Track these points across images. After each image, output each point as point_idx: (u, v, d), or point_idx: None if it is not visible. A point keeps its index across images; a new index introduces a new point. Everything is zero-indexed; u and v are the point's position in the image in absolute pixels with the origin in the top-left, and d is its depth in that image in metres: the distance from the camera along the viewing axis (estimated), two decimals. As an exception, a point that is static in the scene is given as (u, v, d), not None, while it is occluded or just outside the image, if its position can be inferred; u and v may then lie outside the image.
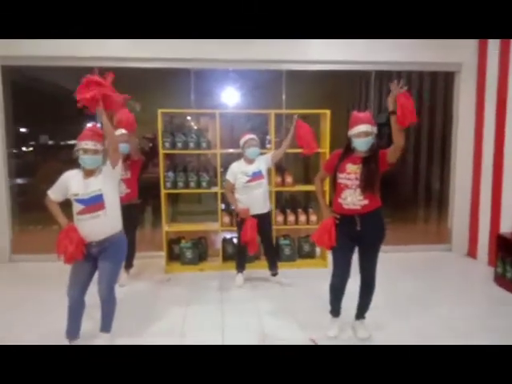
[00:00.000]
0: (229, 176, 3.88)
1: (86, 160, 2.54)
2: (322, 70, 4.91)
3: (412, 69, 5.13)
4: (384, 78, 5.36)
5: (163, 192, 4.35)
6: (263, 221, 3.88)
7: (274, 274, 4.08)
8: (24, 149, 5.15)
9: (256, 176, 3.82)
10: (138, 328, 3.08)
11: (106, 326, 2.77)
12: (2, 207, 4.73)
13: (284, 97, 4.97)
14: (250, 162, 3.87)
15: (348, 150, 2.73)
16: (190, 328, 3.10)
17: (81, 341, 2.74)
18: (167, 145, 4.33)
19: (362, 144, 2.64)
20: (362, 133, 2.61)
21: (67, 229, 2.57)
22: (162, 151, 4.30)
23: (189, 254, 4.47)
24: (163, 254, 4.45)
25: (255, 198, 3.82)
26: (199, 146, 4.39)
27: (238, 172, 3.83)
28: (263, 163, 3.90)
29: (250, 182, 3.80)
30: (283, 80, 4.94)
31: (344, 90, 5.68)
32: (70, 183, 2.57)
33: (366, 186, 2.62)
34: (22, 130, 5.16)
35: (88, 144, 2.51)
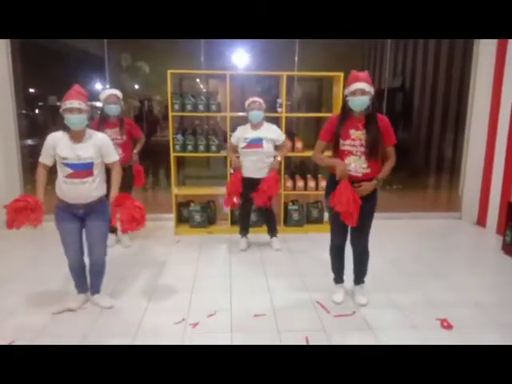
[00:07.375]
0: (233, 138, 3.83)
1: (72, 120, 2.48)
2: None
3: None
4: (400, 41, 5.19)
5: (172, 155, 4.33)
6: (258, 185, 3.76)
7: (273, 236, 4.11)
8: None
9: (253, 143, 3.67)
10: (149, 286, 3.17)
11: (97, 286, 2.86)
12: (14, 169, 4.77)
13: (296, 58, 4.84)
14: (255, 126, 3.71)
15: (344, 113, 2.60)
16: (199, 287, 3.17)
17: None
18: (176, 107, 4.27)
19: (357, 103, 2.51)
20: (358, 90, 2.48)
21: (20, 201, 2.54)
22: (171, 113, 4.25)
23: (198, 218, 4.51)
24: (172, 216, 4.50)
25: (249, 166, 3.73)
26: (209, 109, 4.33)
27: (240, 136, 3.75)
28: (271, 134, 3.71)
29: (246, 149, 3.70)
30: (296, 41, 4.78)
31: (359, 53, 5.51)
32: (58, 145, 2.53)
33: (372, 153, 2.56)
34: (31, 90, 5.12)
35: (73, 103, 2.47)
